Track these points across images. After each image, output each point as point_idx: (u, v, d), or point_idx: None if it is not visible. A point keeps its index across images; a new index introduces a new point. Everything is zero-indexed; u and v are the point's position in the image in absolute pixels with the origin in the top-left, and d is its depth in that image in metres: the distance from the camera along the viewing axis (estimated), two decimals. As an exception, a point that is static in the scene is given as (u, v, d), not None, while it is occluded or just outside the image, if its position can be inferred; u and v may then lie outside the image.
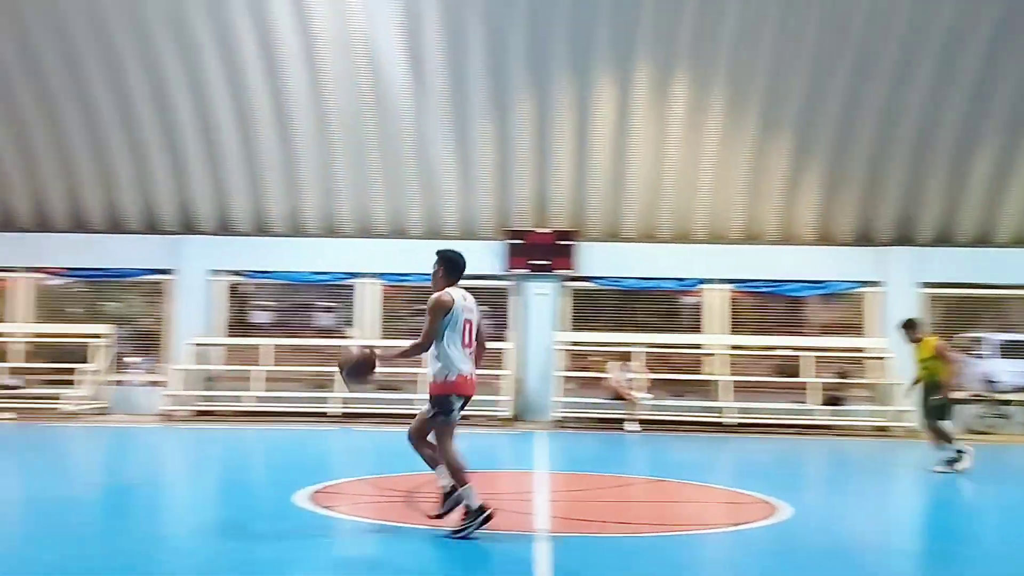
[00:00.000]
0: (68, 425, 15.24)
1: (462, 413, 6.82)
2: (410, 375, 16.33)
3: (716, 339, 17.22)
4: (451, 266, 7.06)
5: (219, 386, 17.32)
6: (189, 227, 17.71)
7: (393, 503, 8.37)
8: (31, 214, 17.77)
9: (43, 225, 17.76)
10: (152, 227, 17.78)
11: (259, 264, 17.71)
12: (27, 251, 17.60)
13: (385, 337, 17.59)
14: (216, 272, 17.68)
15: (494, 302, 17.66)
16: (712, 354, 17.25)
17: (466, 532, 6.56)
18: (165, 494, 9.41)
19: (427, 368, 6.86)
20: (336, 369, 7.23)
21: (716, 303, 17.34)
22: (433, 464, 6.92)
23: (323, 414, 16.24)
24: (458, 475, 6.66)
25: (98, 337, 17.01)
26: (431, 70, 16.17)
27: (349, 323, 17.91)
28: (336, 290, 18.09)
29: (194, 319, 17.43)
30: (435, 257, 7.10)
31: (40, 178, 17.37)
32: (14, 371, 16.98)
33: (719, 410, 16.08)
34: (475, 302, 7.03)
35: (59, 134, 16.90)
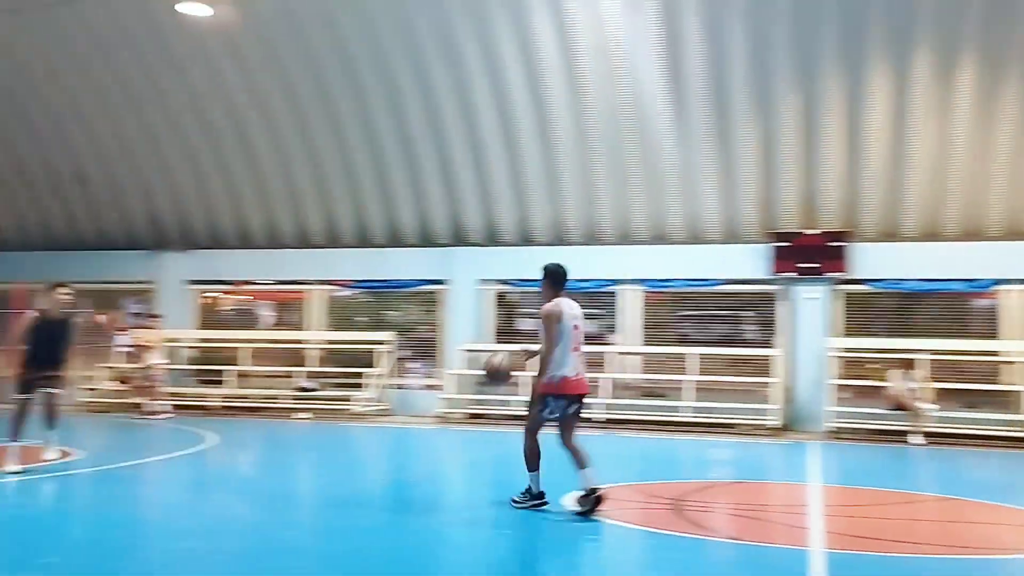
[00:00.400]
0: (356, 425, 16.51)
1: (580, 411, 7.80)
2: (675, 383, 16.17)
3: (1017, 345, 15.57)
4: (556, 278, 7.77)
5: (489, 390, 18.04)
6: (460, 239, 18.63)
7: (659, 510, 8.29)
8: (323, 232, 19.46)
9: (334, 241, 19.41)
10: (427, 240, 18.88)
11: (524, 273, 18.25)
12: (320, 265, 19.31)
13: (648, 343, 17.56)
14: (485, 281, 18.46)
15: (759, 307, 17.07)
16: (1012, 362, 15.62)
17: (524, 506, 7.64)
18: (442, 491, 9.92)
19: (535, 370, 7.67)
20: (484, 372, 8.27)
21: (1016, 306, 15.69)
22: (581, 465, 7.58)
23: (586, 420, 16.40)
24: (532, 462, 7.73)
25: (382, 344, 18.30)
26: (690, 72, 15.95)
27: (611, 329, 18.03)
28: (598, 297, 18.28)
29: (465, 326, 18.31)
30: (541, 271, 7.84)
31: (330, 199, 18.99)
32: (310, 375, 18.64)
33: (1022, 424, 14.53)
34: (580, 309, 7.77)
35: (347, 158, 18.37)
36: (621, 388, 17.22)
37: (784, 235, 16.47)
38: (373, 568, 5.99)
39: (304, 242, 19.57)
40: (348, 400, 17.68)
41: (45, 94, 18.68)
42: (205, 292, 20.43)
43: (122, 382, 18.35)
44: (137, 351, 17.78)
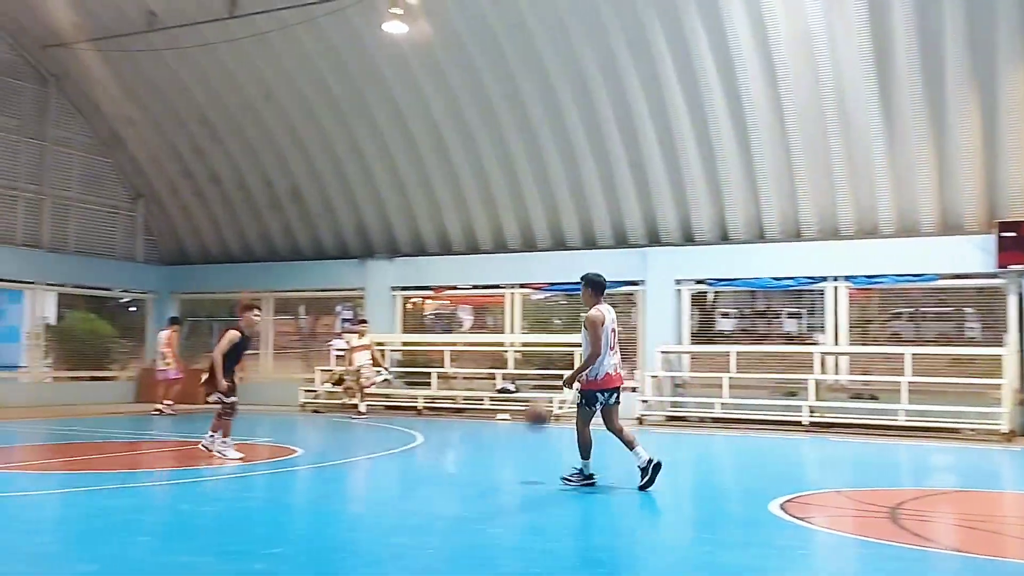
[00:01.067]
0: (553, 427, 16.61)
1: (619, 399, 8.82)
2: (892, 384, 15.29)
3: None
4: (596, 287, 8.90)
5: (688, 392, 17.72)
6: (655, 239, 18.43)
7: (873, 518, 7.83)
8: (519, 236, 19.80)
9: (529, 245, 19.71)
10: (622, 241, 18.80)
11: (722, 272, 17.84)
12: (516, 269, 19.66)
13: (854, 343, 16.68)
14: (681, 281, 18.16)
15: (982, 303, 15.83)
16: None
17: (572, 484, 8.73)
18: (640, 494, 9.82)
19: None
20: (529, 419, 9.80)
21: None
22: (630, 447, 8.72)
23: (794, 422, 15.81)
24: (585, 451, 8.82)
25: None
26: (899, 53, 15.02)
27: (816, 329, 17.25)
28: (802, 295, 17.55)
29: (662, 327, 18.07)
30: (582, 281, 9.03)
31: (525, 204, 19.30)
32: (507, 376, 18.99)
33: None
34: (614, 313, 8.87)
35: (540, 163, 18.60)
36: (828, 390, 16.45)
37: (1011, 224, 15.17)
38: (570, 566, 6.00)
39: (500, 246, 19.97)
40: (547, 402, 17.86)
41: (263, 116, 20.09)
42: (409, 297, 21.28)
43: (336, 383, 19.42)
44: (346, 354, 18.76)
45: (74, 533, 6.95)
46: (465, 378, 19.64)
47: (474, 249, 20.23)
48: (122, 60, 19.52)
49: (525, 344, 19.67)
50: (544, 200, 19.12)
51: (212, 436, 10.81)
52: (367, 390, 18.16)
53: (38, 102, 20.73)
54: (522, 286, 19.89)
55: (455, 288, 20.73)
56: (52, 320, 21.90)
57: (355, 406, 18.10)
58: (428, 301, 21.82)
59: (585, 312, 8.93)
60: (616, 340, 8.78)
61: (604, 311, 8.69)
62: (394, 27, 16.50)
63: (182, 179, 22.12)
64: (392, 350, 20.54)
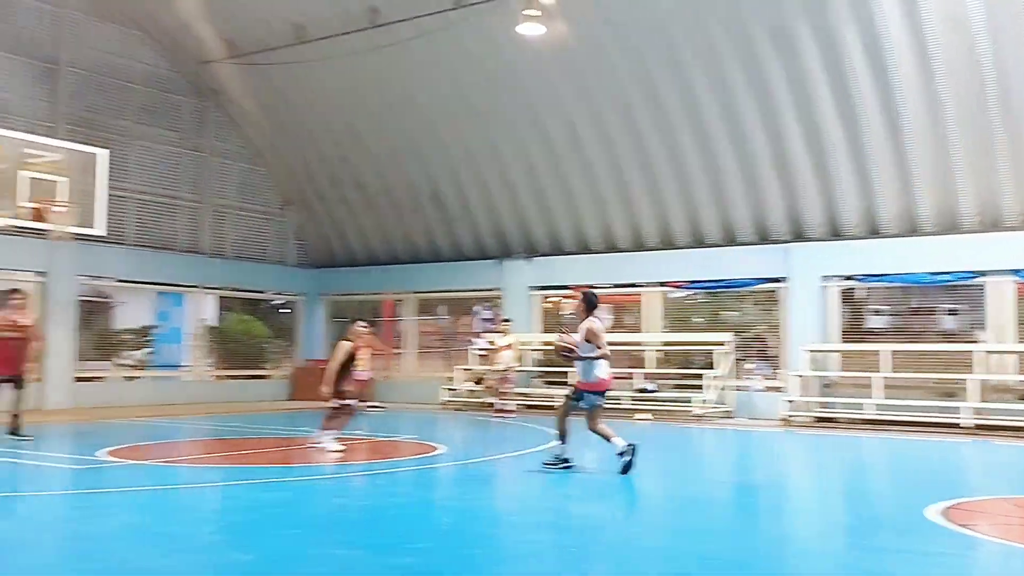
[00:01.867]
0: (696, 427, 16.37)
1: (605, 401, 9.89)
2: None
3: None
4: (589, 304, 9.97)
5: (837, 392, 17.08)
6: (799, 235, 17.85)
7: (1044, 528, 7.32)
8: (657, 234, 19.57)
9: (667, 243, 19.46)
10: (763, 237, 18.30)
11: (872, 267, 17.09)
12: (654, 267, 19.44)
13: (1022, 340, 15.66)
14: (828, 278, 17.51)
15: None
16: None
17: (554, 468, 9.76)
18: (789, 497, 9.53)
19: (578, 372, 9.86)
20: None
21: None
22: (608, 438, 9.67)
23: (952, 425, 14.98)
24: (564, 436, 9.91)
25: (719, 344, 18.00)
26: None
27: (977, 326, 16.30)
28: (961, 291, 16.61)
29: (808, 325, 17.48)
30: (581, 296, 10.16)
31: (663, 201, 19.06)
32: (648, 376, 18.79)
33: None
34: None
35: (678, 160, 18.33)
36: (992, 390, 15.51)
37: None
38: (716, 569, 5.88)
39: (638, 245, 19.80)
40: (687, 402, 17.59)
41: (404, 122, 20.61)
42: (547, 296, 21.37)
43: (476, 382, 19.71)
44: (489, 354, 19.00)
45: (233, 524, 7.32)
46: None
47: (612, 248, 20.13)
48: (272, 73, 20.44)
49: (664, 343, 19.42)
50: (683, 197, 18.82)
51: (322, 432, 11.46)
52: (505, 388, 18.32)
53: (197, 116, 21.96)
54: (661, 284, 19.65)
55: (592, 287, 20.65)
56: (212, 321, 23.17)
57: (491, 404, 18.33)
58: (566, 300, 21.84)
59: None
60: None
61: (599, 323, 9.87)
62: (529, 29, 16.60)
63: (329, 185, 22.97)
64: (531, 349, 20.67)
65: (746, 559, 6.20)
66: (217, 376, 22.82)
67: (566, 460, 9.90)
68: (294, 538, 6.51)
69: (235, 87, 21.66)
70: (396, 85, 19.90)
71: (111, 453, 11.05)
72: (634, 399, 18.18)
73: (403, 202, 22.29)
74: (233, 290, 22.95)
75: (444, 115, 20.06)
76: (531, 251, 21.11)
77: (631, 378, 18.74)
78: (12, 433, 12.13)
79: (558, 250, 20.84)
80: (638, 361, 19.44)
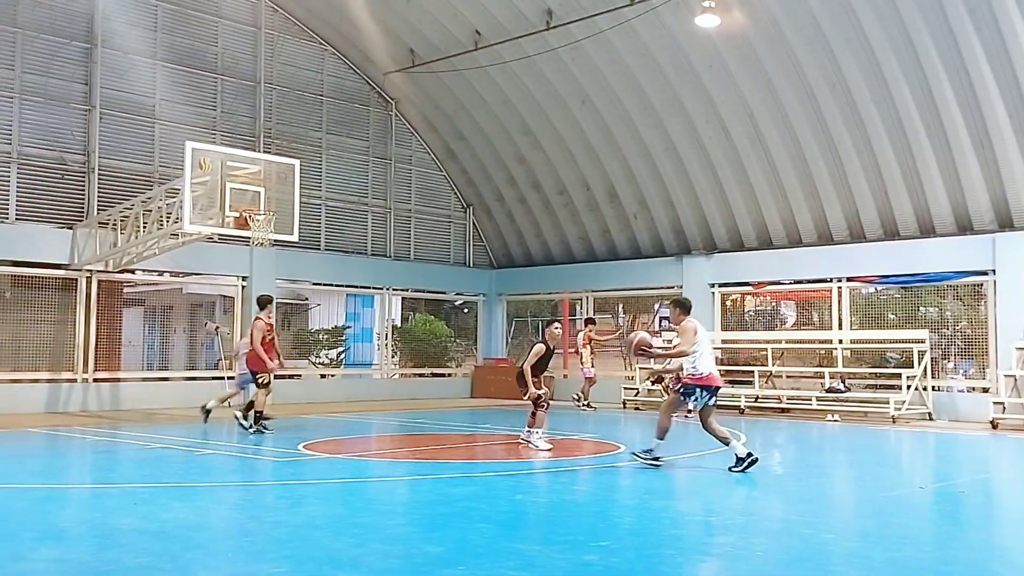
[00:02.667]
0: (890, 429, 15.50)
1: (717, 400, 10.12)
2: None
3: None
4: (684, 307, 10.33)
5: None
6: (1007, 223, 16.57)
7: None
8: (845, 227, 18.69)
9: (857, 236, 18.54)
10: (965, 228, 17.11)
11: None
12: (843, 262, 18.58)
13: None
14: (1041, 269, 16.17)
15: None
16: None
17: (645, 461, 9.91)
18: (1000, 504, 8.86)
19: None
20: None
21: None
22: (725, 443, 9.72)
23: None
24: (662, 434, 9.95)
25: (915, 342, 16.96)
26: None
27: None
28: None
29: (1019, 321, 16.18)
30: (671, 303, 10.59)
31: (851, 192, 18.18)
32: (838, 376, 17.96)
33: None
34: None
35: (868, 148, 17.44)
36: None
37: None
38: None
39: (824, 238, 18.99)
40: (883, 403, 16.68)
41: (579, 121, 20.68)
42: (728, 294, 20.86)
43: (656, 382, 19.48)
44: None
45: (422, 517, 7.56)
46: (790, 377, 18.86)
47: (796, 242, 19.41)
48: (452, 79, 21.02)
49: (855, 341, 18.52)
50: (873, 186, 17.89)
51: (529, 431, 11.62)
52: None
53: (381, 125, 22.89)
54: (850, 279, 18.75)
55: (776, 283, 20.01)
56: (398, 322, 24.08)
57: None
58: (748, 297, 21.25)
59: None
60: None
61: (696, 323, 10.14)
62: (706, 21, 16.25)
63: (507, 187, 23.36)
64: (712, 348, 20.19)
65: (947, 570, 5.80)
66: (403, 374, 23.69)
67: (656, 458, 9.97)
68: (481, 532, 6.65)
69: (416, 95, 22.43)
70: (570, 85, 19.99)
71: (308, 447, 11.68)
72: (822, 399, 17.41)
73: (579, 201, 22.36)
74: (417, 291, 23.75)
75: (619, 113, 19.97)
76: (711, 247, 20.67)
77: (820, 377, 17.97)
78: (252, 423, 13.29)
79: (739, 246, 20.30)
80: (828, 359, 18.62)
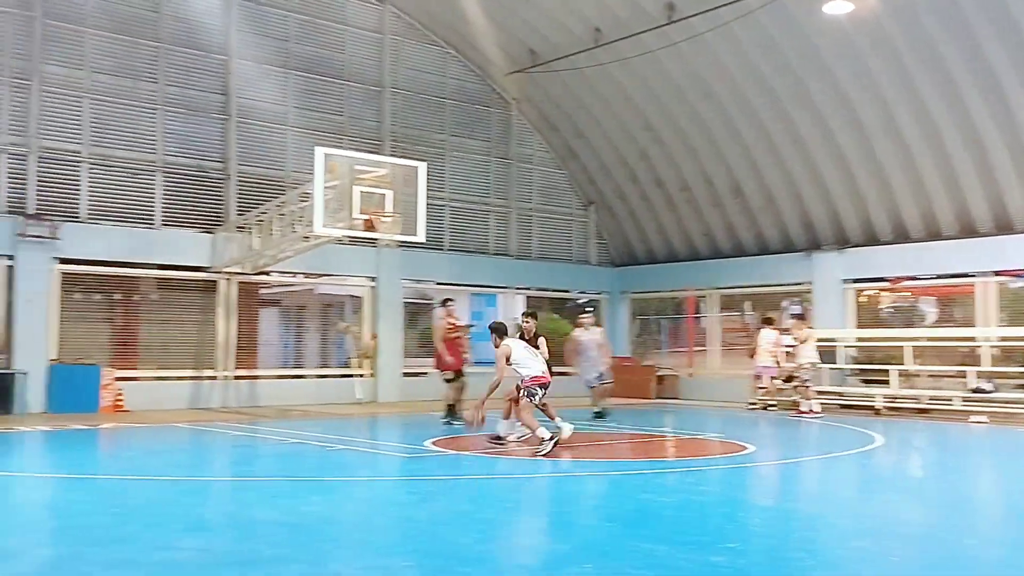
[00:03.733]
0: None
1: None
2: None
3: None
4: (498, 333, 11.87)
5: None
6: None
7: None
8: (989, 218, 17.73)
9: (1003, 227, 17.56)
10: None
11: None
12: (988, 255, 17.62)
13: None
14: None
15: None
16: None
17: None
18: None
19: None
20: None
21: None
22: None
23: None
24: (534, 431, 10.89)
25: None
26: None
27: None
28: None
29: None
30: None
31: (997, 181, 17.22)
32: (985, 375, 17.03)
33: None
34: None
35: (1014, 133, 16.49)
36: None
37: None
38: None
39: (967, 230, 18.05)
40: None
41: (702, 116, 20.32)
42: (862, 290, 20.09)
43: (785, 381, 18.95)
44: (795, 350, 18.16)
45: (548, 514, 7.58)
46: (930, 376, 18.01)
47: (935, 235, 18.52)
48: (572, 78, 21.00)
49: (1003, 338, 17.51)
50: (1021, 174, 16.88)
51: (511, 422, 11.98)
52: (811, 388, 17.39)
53: (502, 125, 23.08)
54: (996, 273, 17.74)
55: (914, 278, 19.13)
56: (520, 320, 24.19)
57: (798, 404, 17.46)
58: (884, 293, 20.40)
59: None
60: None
61: (509, 346, 11.52)
62: (836, 8, 15.71)
63: (629, 184, 23.17)
64: (845, 346, 19.51)
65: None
66: (527, 372, 23.78)
67: (551, 438, 10.72)
68: (607, 531, 6.62)
69: (536, 94, 22.52)
70: (693, 79, 19.67)
71: (435, 443, 11.89)
72: (967, 400, 16.53)
73: (703, 197, 21.97)
74: (540, 289, 23.84)
75: (743, 106, 19.51)
76: (842, 242, 19.95)
77: (963, 377, 17.07)
78: (448, 418, 14.11)
79: (872, 240, 19.51)
80: (972, 358, 17.69)
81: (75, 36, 17.21)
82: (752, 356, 18.67)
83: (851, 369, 19.38)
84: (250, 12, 19.20)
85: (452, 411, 14.22)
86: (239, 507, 7.67)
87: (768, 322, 19.09)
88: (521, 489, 9.05)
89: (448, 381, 14.36)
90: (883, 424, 15.27)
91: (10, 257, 16.02)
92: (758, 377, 18.53)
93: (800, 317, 18.76)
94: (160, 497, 8.03)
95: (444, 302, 15.33)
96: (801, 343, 17.56)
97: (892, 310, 20.60)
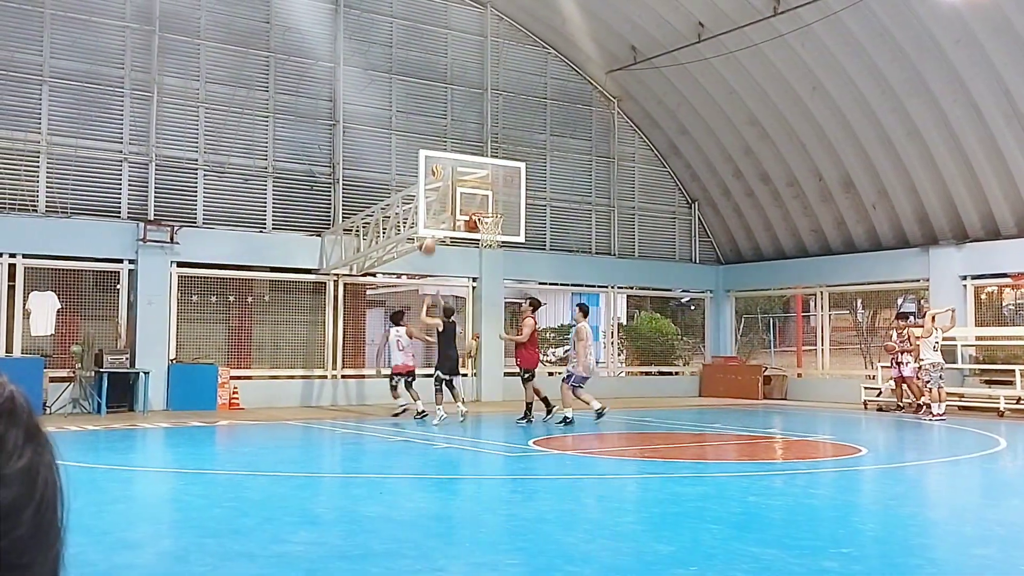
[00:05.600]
0: None
1: None
2: None
3: None
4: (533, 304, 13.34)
5: None
6: None
7: None
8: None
9: None
10: None
11: None
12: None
13: None
14: None
15: None
16: None
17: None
18: None
19: None
20: None
21: None
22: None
23: None
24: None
25: None
26: None
27: None
28: None
29: None
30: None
31: None
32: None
33: None
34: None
35: None
36: None
37: None
38: None
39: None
40: None
41: (810, 109, 19.78)
42: (982, 287, 19.21)
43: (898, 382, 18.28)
44: (914, 350, 17.45)
45: (653, 515, 7.51)
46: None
47: (1064, 227, 17.58)
48: (674, 74, 20.75)
49: None
50: None
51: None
52: (930, 389, 16.64)
53: (603, 123, 22.98)
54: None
55: (1039, 274, 18.19)
56: (623, 320, 24.06)
57: (920, 406, 16.74)
58: (1006, 290, 19.45)
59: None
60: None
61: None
62: (952, -9, 15.08)
63: (733, 180, 22.75)
64: (964, 345, 18.69)
65: None
66: (629, 372, 23.64)
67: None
68: (713, 533, 6.51)
69: (638, 92, 22.33)
70: (800, 72, 19.17)
71: (537, 443, 11.92)
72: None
73: (811, 192, 21.39)
74: (642, 289, 23.63)
75: (853, 97, 18.90)
76: (961, 236, 19.11)
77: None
78: (541, 415, 14.69)
79: (994, 234, 18.62)
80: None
81: (191, 48, 17.94)
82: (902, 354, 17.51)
83: (971, 369, 18.55)
84: (356, 20, 19.64)
85: (530, 408, 14.67)
86: (349, 502, 7.86)
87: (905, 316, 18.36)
88: (625, 490, 8.99)
89: (528, 380, 14.72)
90: (1007, 427, 14.56)
91: (132, 261, 16.81)
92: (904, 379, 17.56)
93: (902, 316, 17.95)
94: (274, 492, 8.29)
95: (532, 301, 15.64)
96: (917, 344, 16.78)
97: (1015, 307, 19.63)
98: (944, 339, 17.12)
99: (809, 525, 6.94)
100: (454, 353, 15.12)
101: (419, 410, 15.10)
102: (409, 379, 15.68)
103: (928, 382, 16.36)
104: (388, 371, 16.43)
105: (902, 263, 20.04)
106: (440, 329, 15.07)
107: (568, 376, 14.55)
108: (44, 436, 0.69)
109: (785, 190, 21.86)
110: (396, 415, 15.53)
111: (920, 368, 16.59)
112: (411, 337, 16.14)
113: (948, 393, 17.21)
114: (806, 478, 9.63)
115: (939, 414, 15.92)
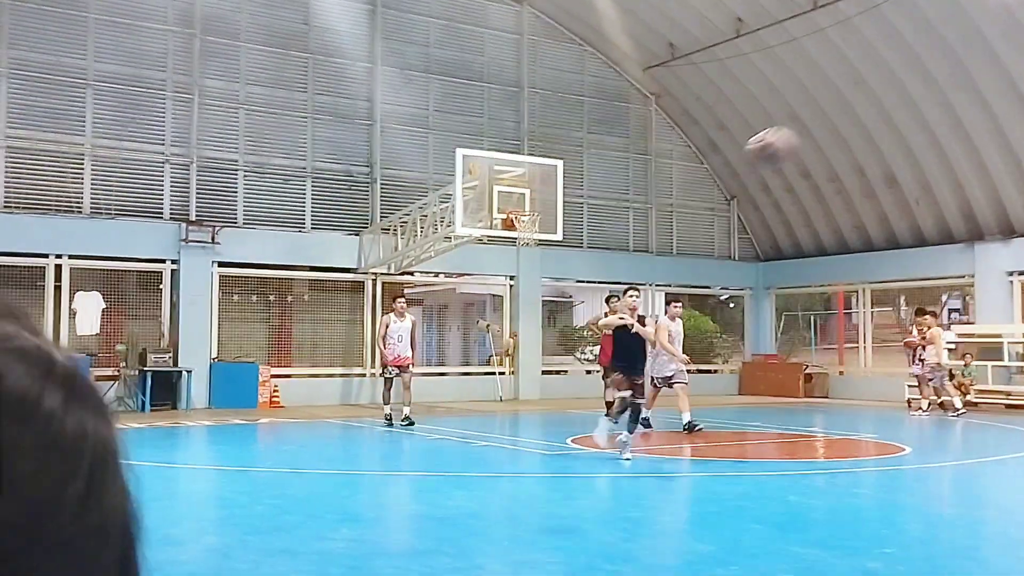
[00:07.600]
0: None
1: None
2: None
3: None
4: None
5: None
6: None
7: None
8: None
9: None
10: None
11: None
12: None
13: None
14: None
15: None
16: None
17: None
18: None
19: None
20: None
21: None
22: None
23: None
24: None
25: None
26: None
27: None
28: None
29: None
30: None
31: None
32: None
33: None
34: None
35: None
36: None
37: None
38: None
39: None
40: None
41: (852, 104, 19.52)
42: (1030, 283, 18.83)
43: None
44: (958, 347, 17.16)
45: (692, 514, 7.47)
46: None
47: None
48: (712, 70, 20.58)
49: None
50: None
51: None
52: (940, 386, 16.26)
53: (641, 120, 22.86)
54: None
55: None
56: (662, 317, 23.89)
57: (944, 403, 16.36)
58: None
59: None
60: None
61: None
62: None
63: (773, 177, 22.51)
64: (1010, 342, 18.32)
65: None
66: (669, 370, 23.48)
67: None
68: (754, 533, 6.46)
69: (676, 88, 22.18)
70: (840, 66, 18.92)
71: (574, 441, 11.90)
72: None
73: (853, 188, 21.10)
74: (681, 286, 23.48)
75: (897, 91, 18.61)
76: (1008, 231, 18.74)
77: None
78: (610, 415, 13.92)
79: (1042, 228, 18.27)
80: None
81: (231, 51, 18.14)
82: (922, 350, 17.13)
83: (1017, 367, 18.19)
84: (393, 20, 19.73)
85: (611, 407, 13.75)
86: (389, 500, 7.91)
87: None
88: (665, 489, 8.94)
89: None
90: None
91: (175, 261, 17.04)
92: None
93: (922, 313, 17.28)
94: (315, 489, 8.37)
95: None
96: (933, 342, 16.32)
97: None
98: (989, 335, 16.78)
99: (852, 524, 6.86)
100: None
101: (387, 414, 13.69)
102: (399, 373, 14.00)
103: (932, 380, 16.12)
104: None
105: (946, 259, 19.71)
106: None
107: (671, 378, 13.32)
108: (101, 404, 0.54)
109: (827, 186, 21.59)
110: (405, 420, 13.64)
111: (926, 366, 16.28)
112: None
113: (995, 392, 16.89)
114: (848, 477, 9.51)
115: (959, 409, 15.67)
